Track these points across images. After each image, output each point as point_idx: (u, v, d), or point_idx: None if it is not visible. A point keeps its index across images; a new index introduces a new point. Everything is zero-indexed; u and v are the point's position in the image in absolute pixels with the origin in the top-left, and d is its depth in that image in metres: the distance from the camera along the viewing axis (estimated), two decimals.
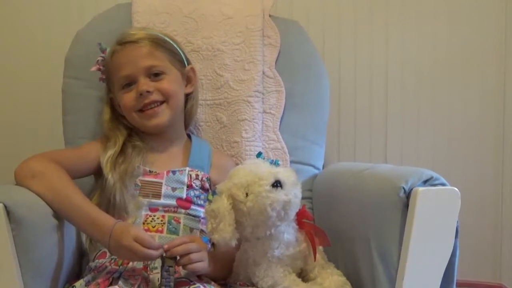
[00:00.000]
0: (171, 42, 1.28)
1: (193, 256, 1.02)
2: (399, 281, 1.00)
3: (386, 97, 1.65)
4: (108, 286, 1.01)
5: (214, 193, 1.05)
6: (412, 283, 0.99)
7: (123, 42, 1.23)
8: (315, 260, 1.09)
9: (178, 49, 1.29)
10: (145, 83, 1.20)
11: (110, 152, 1.19)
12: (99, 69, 1.28)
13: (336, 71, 1.63)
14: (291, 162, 1.39)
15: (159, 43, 1.24)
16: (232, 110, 1.38)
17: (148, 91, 1.20)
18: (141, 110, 1.22)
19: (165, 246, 1.00)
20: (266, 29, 1.43)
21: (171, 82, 1.23)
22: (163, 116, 1.22)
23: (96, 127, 1.33)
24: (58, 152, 1.19)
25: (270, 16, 1.45)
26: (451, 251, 1.01)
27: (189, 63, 1.31)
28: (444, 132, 1.65)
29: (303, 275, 1.11)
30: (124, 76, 1.21)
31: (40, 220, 0.99)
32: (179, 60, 1.28)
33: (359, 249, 1.10)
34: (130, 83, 1.22)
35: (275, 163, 1.08)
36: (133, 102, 1.21)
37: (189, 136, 1.33)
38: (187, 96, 1.30)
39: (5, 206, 0.92)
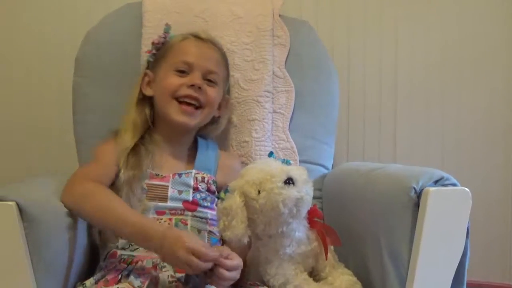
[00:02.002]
0: (228, 66, 1.33)
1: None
2: (410, 282, 1.00)
3: (396, 96, 1.65)
4: (117, 283, 1.01)
5: (226, 191, 1.06)
6: (422, 284, 0.99)
7: (198, 37, 1.27)
8: (326, 259, 1.09)
9: (229, 75, 1.34)
10: (200, 79, 1.22)
11: (124, 146, 1.19)
12: (156, 44, 1.28)
13: (345, 70, 1.62)
14: (301, 162, 1.39)
15: (225, 59, 1.30)
16: (242, 110, 1.38)
17: (200, 87, 1.21)
18: (178, 100, 1.21)
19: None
20: (276, 28, 1.43)
21: (217, 94, 1.26)
22: (194, 119, 1.23)
23: (107, 125, 1.33)
24: (88, 169, 1.17)
25: (280, 16, 1.45)
26: (462, 251, 1.01)
27: (228, 92, 1.35)
28: (454, 131, 1.65)
29: (314, 275, 1.11)
30: (187, 62, 1.23)
31: (53, 219, 1.00)
32: (226, 83, 1.32)
33: (369, 249, 1.10)
34: (185, 71, 1.23)
35: (286, 162, 1.08)
36: (178, 87, 1.21)
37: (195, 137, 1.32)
38: (212, 118, 1.30)
39: (18, 204, 0.93)
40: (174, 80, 1.22)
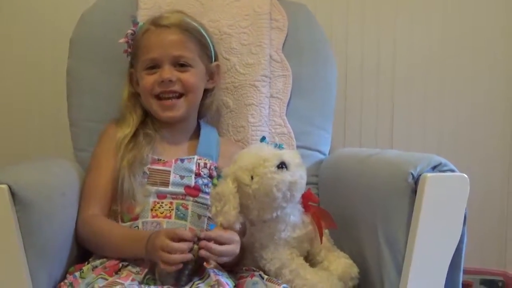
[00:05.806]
0: (205, 34, 1.26)
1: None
2: (406, 268, 1.00)
3: (393, 81, 1.64)
4: (117, 271, 1.02)
5: (219, 177, 1.06)
6: (419, 270, 0.99)
7: (158, 25, 1.22)
8: (321, 242, 1.09)
9: (210, 43, 1.27)
10: (169, 71, 1.19)
11: (121, 135, 1.19)
12: (127, 42, 1.26)
13: (343, 55, 1.61)
14: (298, 147, 1.37)
15: (193, 34, 1.23)
16: (238, 94, 1.36)
17: (170, 80, 1.19)
18: (158, 97, 1.21)
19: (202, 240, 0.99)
20: (274, 12, 1.41)
21: (195, 76, 1.22)
22: (179, 109, 1.22)
23: (101, 108, 1.32)
24: (92, 193, 1.16)
25: None
26: (459, 238, 1.01)
27: (216, 58, 1.30)
28: (451, 117, 1.64)
29: (309, 259, 1.11)
30: (151, 59, 1.20)
31: (45, 202, 0.99)
32: (207, 54, 1.27)
33: (365, 235, 1.10)
34: (154, 66, 1.21)
35: (279, 146, 1.08)
36: (151, 86, 1.20)
37: (198, 122, 1.32)
38: (206, 91, 1.28)
39: (10, 188, 0.92)
40: (147, 80, 1.21)
